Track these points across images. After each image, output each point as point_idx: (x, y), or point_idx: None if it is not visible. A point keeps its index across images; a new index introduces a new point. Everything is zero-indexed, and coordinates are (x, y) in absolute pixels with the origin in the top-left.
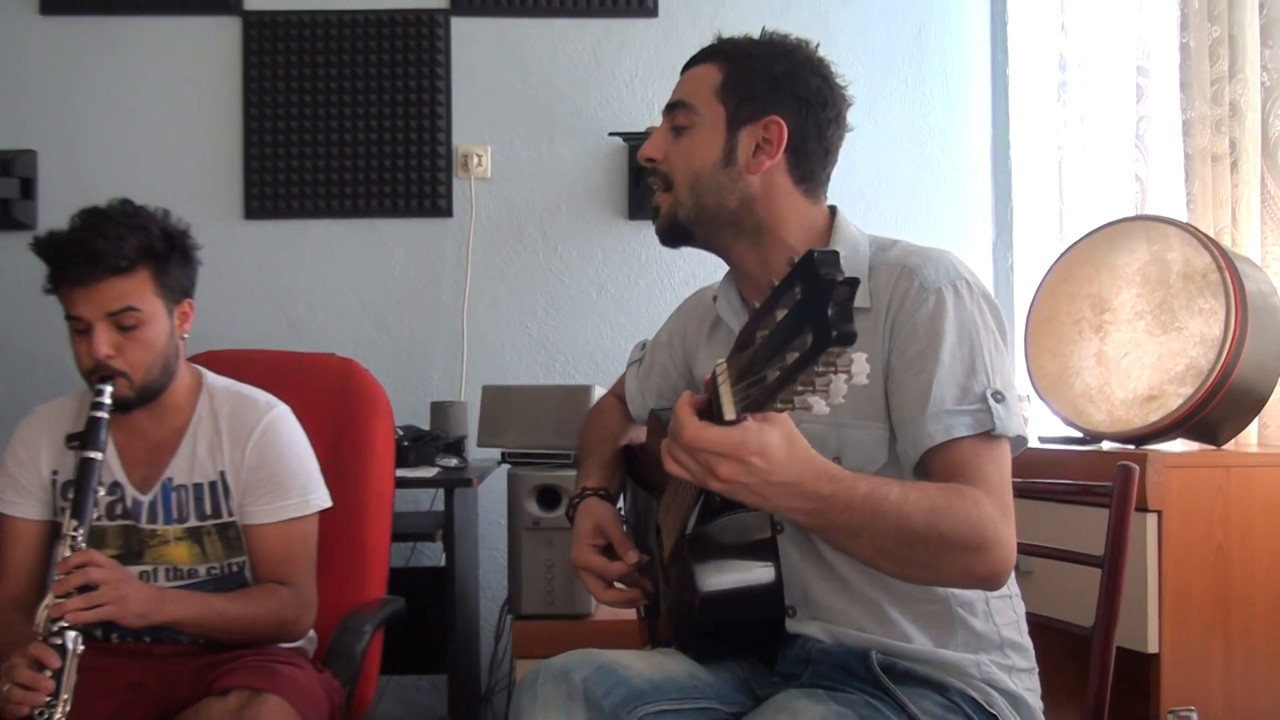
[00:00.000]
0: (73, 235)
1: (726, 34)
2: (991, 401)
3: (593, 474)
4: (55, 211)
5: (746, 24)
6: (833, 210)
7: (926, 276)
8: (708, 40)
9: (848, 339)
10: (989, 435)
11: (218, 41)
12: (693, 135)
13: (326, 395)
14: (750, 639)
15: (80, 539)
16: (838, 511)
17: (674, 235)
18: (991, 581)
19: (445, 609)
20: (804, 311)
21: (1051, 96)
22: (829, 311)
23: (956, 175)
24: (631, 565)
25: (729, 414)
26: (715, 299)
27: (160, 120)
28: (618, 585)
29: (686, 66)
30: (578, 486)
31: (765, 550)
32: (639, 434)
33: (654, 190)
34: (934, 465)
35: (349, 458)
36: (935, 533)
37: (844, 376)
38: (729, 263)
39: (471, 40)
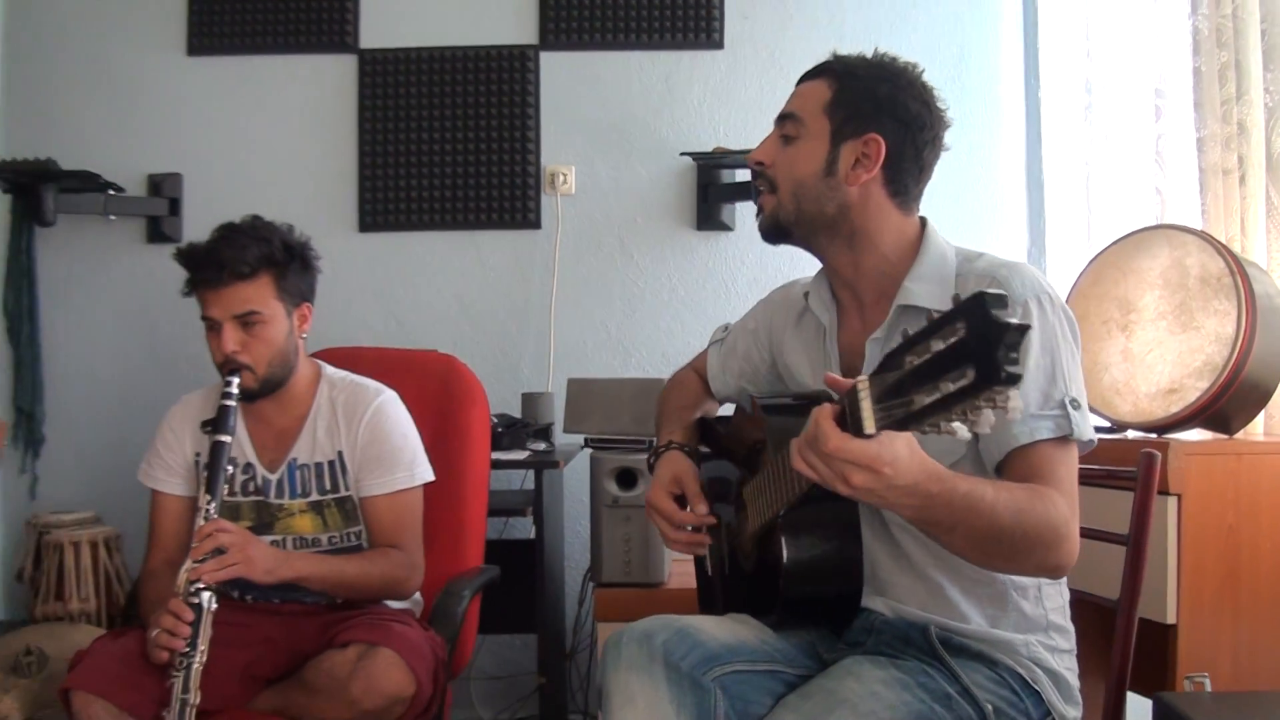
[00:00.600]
0: (205, 245)
1: (784, 65)
2: (1069, 408)
3: (676, 431)
4: (197, 227)
5: (803, 56)
6: (923, 221)
7: (1014, 289)
8: (768, 69)
9: (1015, 380)
10: (1065, 439)
11: (337, 77)
12: (799, 145)
13: (430, 387)
14: (827, 612)
15: (213, 510)
16: (940, 508)
17: (775, 234)
18: (1059, 572)
19: (534, 576)
20: (968, 347)
21: (1079, 117)
22: (998, 353)
23: (994, 189)
24: (699, 517)
25: (869, 429)
26: (806, 294)
27: (287, 145)
28: (688, 530)
29: (801, 80)
30: (663, 439)
31: (850, 534)
32: (712, 408)
33: (759, 191)
34: (1014, 464)
35: (450, 442)
36: (1020, 530)
37: (999, 411)
38: (823, 262)
39: (558, 72)
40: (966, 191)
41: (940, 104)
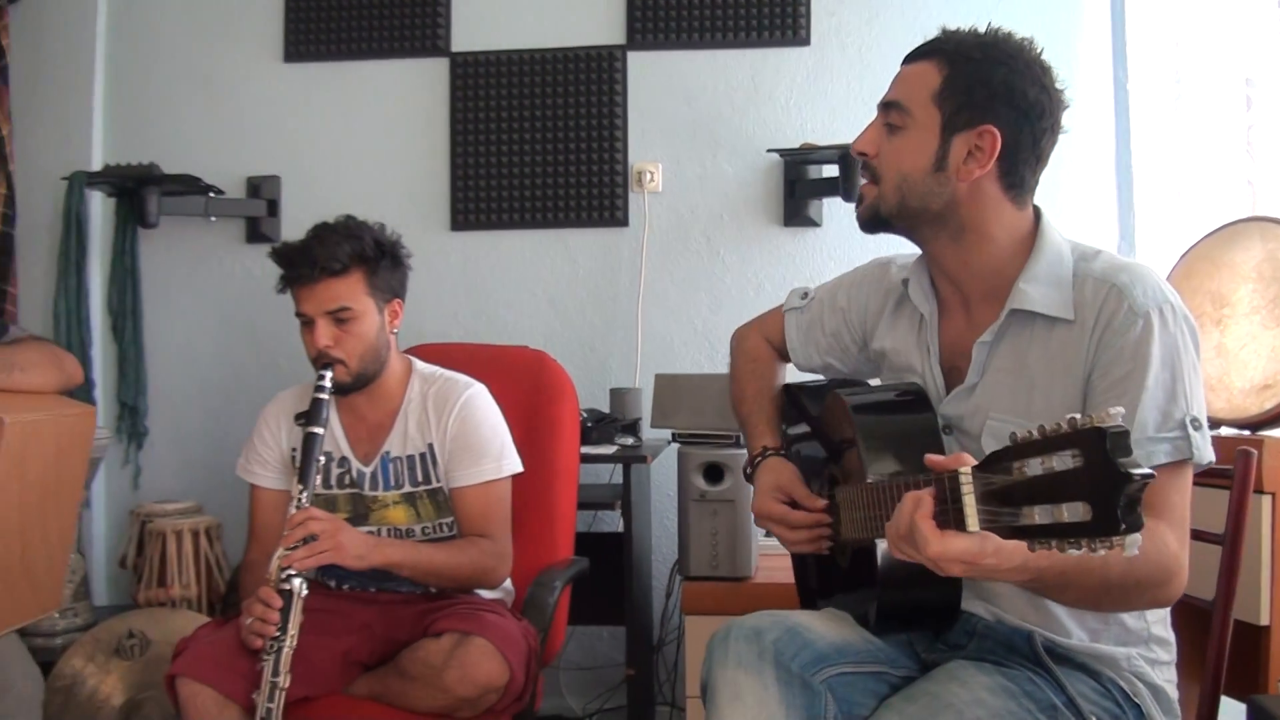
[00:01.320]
0: (299, 243)
1: (871, 60)
2: (1190, 429)
3: (766, 433)
4: (295, 227)
5: (890, 50)
6: (1037, 213)
7: (1135, 299)
8: (854, 64)
9: (1136, 529)
10: (1182, 462)
11: (429, 80)
12: (905, 136)
13: (521, 382)
14: (924, 619)
15: (305, 499)
16: (1052, 576)
17: (874, 224)
18: (1168, 603)
19: (623, 569)
20: (1086, 484)
21: (1168, 107)
22: (1118, 507)
23: (1083, 181)
24: (814, 515)
25: (971, 526)
26: (906, 282)
27: (381, 147)
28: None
29: (908, 59)
30: (757, 445)
31: None
32: (783, 377)
33: (862, 180)
34: None
35: (540, 436)
36: (1132, 579)
37: (1115, 550)
38: (925, 253)
39: (645, 71)
40: (1055, 184)
41: (1059, 85)
